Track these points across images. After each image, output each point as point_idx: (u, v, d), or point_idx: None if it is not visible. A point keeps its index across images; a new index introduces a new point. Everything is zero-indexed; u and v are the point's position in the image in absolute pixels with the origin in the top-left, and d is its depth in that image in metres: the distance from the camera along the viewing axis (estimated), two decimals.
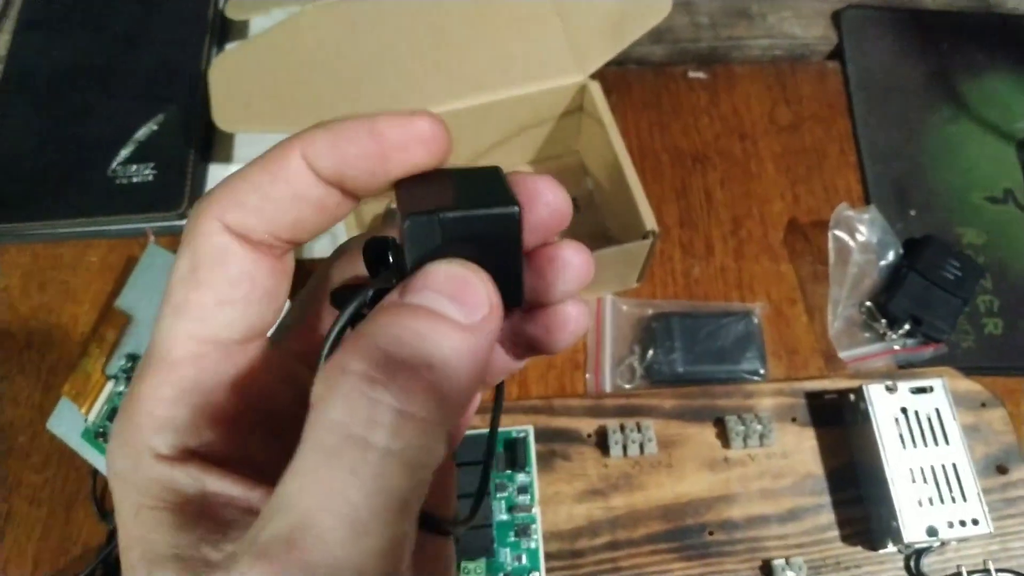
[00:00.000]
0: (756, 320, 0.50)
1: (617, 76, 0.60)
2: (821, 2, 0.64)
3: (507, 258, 0.17)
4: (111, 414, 0.45)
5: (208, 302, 0.18)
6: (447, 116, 0.47)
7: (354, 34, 0.50)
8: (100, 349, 0.47)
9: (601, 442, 0.46)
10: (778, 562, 0.43)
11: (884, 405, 0.44)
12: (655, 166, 0.57)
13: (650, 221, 0.45)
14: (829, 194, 0.56)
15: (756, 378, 0.49)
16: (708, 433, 0.47)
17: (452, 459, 0.23)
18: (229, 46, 0.61)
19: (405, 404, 0.15)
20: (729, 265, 0.54)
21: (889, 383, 0.45)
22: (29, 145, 0.55)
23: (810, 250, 0.54)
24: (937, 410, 0.44)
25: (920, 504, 0.42)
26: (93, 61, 0.58)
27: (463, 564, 0.42)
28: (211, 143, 0.57)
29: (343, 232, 0.49)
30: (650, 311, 0.51)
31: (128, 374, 0.46)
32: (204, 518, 0.17)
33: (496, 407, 0.22)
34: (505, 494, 0.44)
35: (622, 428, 0.46)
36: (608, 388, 0.49)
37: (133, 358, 0.46)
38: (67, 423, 0.46)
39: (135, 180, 0.54)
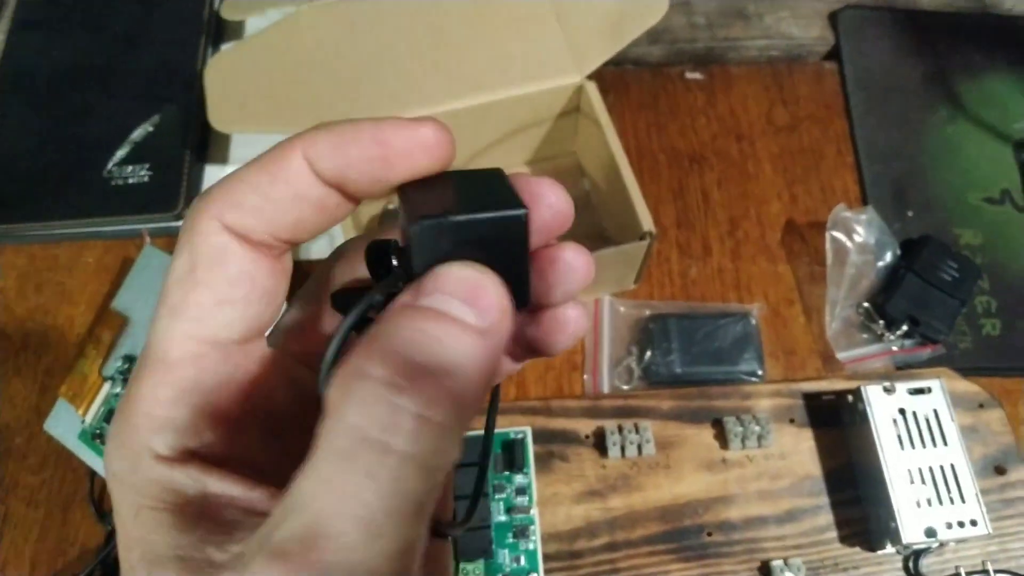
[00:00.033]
0: (754, 321, 0.50)
1: (614, 76, 0.60)
2: (818, 2, 0.64)
3: (515, 260, 0.18)
4: (108, 415, 0.45)
5: (207, 302, 0.18)
6: (444, 116, 0.48)
7: (350, 34, 0.50)
8: (97, 350, 0.47)
9: (599, 443, 0.46)
10: (776, 563, 0.43)
11: (882, 406, 0.44)
12: (652, 167, 0.57)
13: (647, 222, 0.45)
14: (826, 195, 0.56)
15: (754, 379, 0.49)
16: (706, 434, 0.47)
17: None
18: (225, 47, 0.61)
19: (426, 410, 0.15)
20: (726, 266, 0.54)
21: (887, 384, 0.45)
22: (25, 146, 0.55)
23: (807, 251, 0.54)
24: (935, 411, 0.44)
25: (918, 505, 0.42)
26: (89, 62, 0.58)
27: (462, 565, 0.42)
28: (207, 144, 0.57)
29: (340, 233, 0.49)
30: (647, 312, 0.51)
31: (124, 375, 0.46)
32: (205, 519, 0.17)
33: (491, 408, 0.22)
34: (503, 495, 0.44)
35: (620, 429, 0.46)
36: (606, 389, 0.49)
37: (130, 359, 0.46)
38: (64, 424, 0.46)
39: (131, 181, 0.54)
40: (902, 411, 0.44)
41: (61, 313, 0.51)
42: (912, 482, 0.43)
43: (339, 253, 0.21)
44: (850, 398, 0.46)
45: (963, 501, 0.42)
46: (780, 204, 0.56)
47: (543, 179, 0.19)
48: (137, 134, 0.55)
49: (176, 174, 0.54)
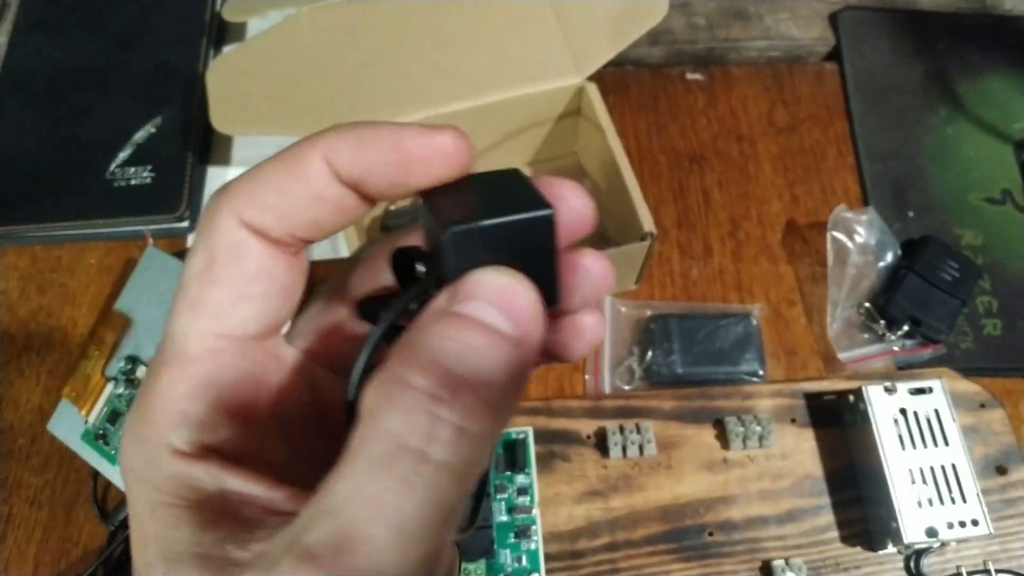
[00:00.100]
0: (755, 321, 0.50)
1: (615, 77, 0.60)
2: (818, 3, 0.64)
3: (543, 261, 0.18)
4: (111, 416, 0.45)
5: (225, 298, 0.18)
6: (444, 118, 0.48)
7: (351, 36, 0.50)
8: (99, 351, 0.47)
9: (600, 443, 0.46)
10: (778, 563, 0.43)
11: (883, 406, 0.44)
12: (653, 167, 0.57)
13: (648, 223, 0.45)
14: (827, 195, 0.56)
15: (755, 379, 0.49)
16: (707, 434, 0.47)
17: None
18: (226, 48, 0.61)
19: (465, 421, 0.15)
20: (727, 266, 0.54)
21: (888, 384, 0.45)
22: (27, 147, 0.55)
23: (808, 251, 0.54)
24: (936, 411, 0.44)
25: (920, 505, 0.42)
26: (91, 63, 0.58)
27: (464, 566, 0.43)
28: (209, 145, 0.57)
29: (341, 233, 0.49)
30: (648, 312, 0.51)
31: (127, 376, 0.46)
32: (225, 516, 0.17)
33: None
34: (505, 495, 0.44)
35: (621, 429, 0.46)
36: (607, 389, 0.49)
37: (132, 360, 0.46)
38: (67, 425, 0.46)
39: (133, 182, 0.54)
40: (903, 411, 0.44)
41: (64, 314, 0.52)
42: (913, 482, 0.43)
43: (359, 257, 0.22)
44: (851, 398, 0.46)
45: (964, 501, 0.42)
46: (781, 205, 0.56)
47: (564, 181, 0.19)
48: (139, 135, 0.55)
49: (178, 176, 0.54)
